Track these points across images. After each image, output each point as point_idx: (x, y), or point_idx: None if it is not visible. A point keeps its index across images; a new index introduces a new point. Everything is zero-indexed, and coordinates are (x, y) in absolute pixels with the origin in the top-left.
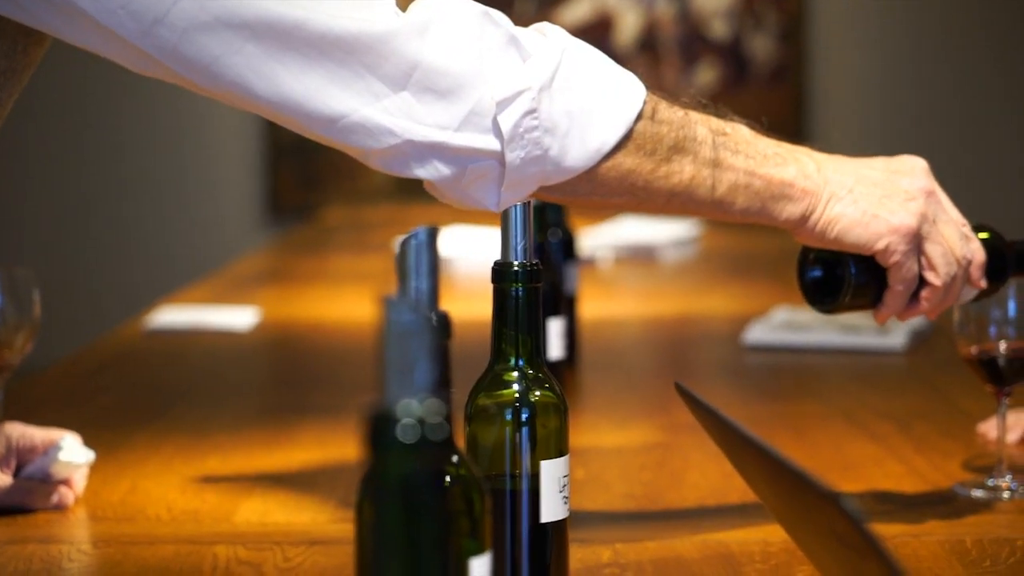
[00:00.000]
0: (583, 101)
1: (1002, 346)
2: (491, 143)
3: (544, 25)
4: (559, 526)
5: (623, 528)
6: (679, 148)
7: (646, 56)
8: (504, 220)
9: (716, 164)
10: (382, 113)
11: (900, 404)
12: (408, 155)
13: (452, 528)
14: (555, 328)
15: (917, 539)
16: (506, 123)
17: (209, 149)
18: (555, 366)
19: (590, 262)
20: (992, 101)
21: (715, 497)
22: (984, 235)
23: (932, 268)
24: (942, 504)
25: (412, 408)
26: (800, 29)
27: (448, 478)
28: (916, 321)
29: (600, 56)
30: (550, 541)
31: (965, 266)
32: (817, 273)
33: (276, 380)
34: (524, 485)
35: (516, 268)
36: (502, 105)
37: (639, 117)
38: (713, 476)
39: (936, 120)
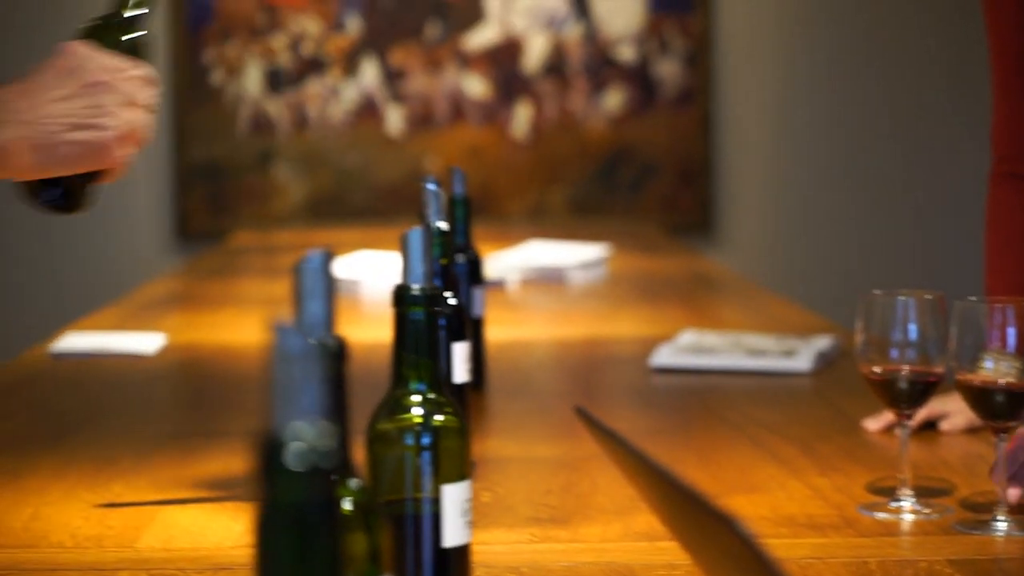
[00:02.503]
0: None
1: (904, 369)
2: None
3: None
4: (461, 551)
5: (529, 552)
6: None
7: (554, 80)
8: (404, 244)
9: None
10: None
11: (805, 426)
12: None
13: (343, 553)
14: (460, 352)
15: (822, 561)
16: None
17: None
18: (461, 390)
19: (498, 285)
20: (895, 117)
21: (621, 520)
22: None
23: None
24: (846, 526)
25: (301, 434)
26: (706, 52)
27: (348, 503)
28: (821, 343)
29: None
30: (452, 566)
31: None
32: None
33: (182, 405)
34: (426, 510)
35: (416, 292)
36: None
37: None
38: (619, 499)
39: (841, 140)
